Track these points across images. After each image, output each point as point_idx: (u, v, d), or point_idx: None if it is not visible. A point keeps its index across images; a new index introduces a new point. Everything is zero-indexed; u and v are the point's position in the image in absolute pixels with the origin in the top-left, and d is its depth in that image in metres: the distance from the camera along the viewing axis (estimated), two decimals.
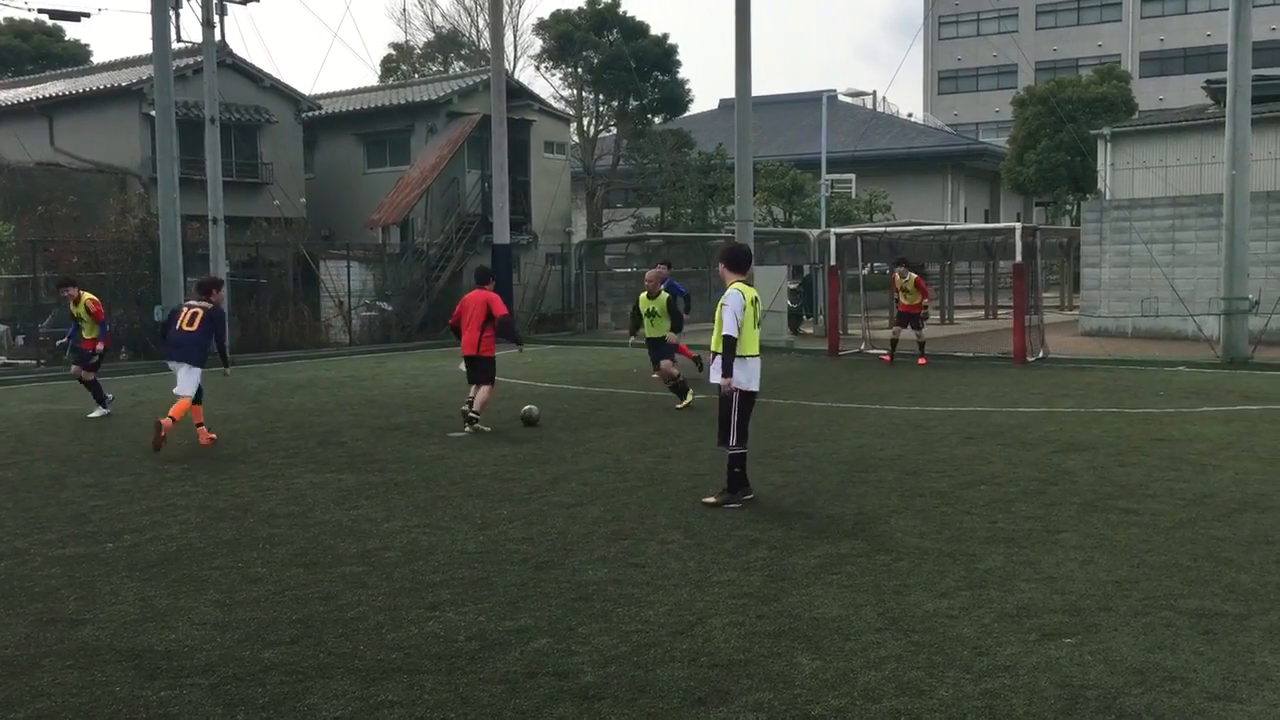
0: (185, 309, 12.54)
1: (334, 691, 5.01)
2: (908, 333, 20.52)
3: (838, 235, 24.80)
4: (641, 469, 10.32)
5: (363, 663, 5.37)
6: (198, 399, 12.35)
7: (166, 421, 11.63)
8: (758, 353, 8.83)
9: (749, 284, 8.85)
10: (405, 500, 9.08)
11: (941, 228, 30.67)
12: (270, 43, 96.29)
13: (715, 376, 8.68)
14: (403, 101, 34.18)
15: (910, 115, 66.47)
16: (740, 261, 8.95)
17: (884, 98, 62.95)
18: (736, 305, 8.54)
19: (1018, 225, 22.32)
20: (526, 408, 13.47)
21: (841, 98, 51.41)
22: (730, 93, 26.56)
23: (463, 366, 13.58)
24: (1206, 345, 20.95)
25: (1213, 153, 24.29)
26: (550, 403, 15.45)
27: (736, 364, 8.57)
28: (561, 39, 40.07)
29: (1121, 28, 70.29)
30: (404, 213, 30.19)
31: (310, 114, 33.14)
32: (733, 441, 8.72)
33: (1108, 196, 27.10)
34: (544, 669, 5.24)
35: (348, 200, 33.22)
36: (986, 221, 52.73)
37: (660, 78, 41.10)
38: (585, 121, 42.14)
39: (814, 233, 30.43)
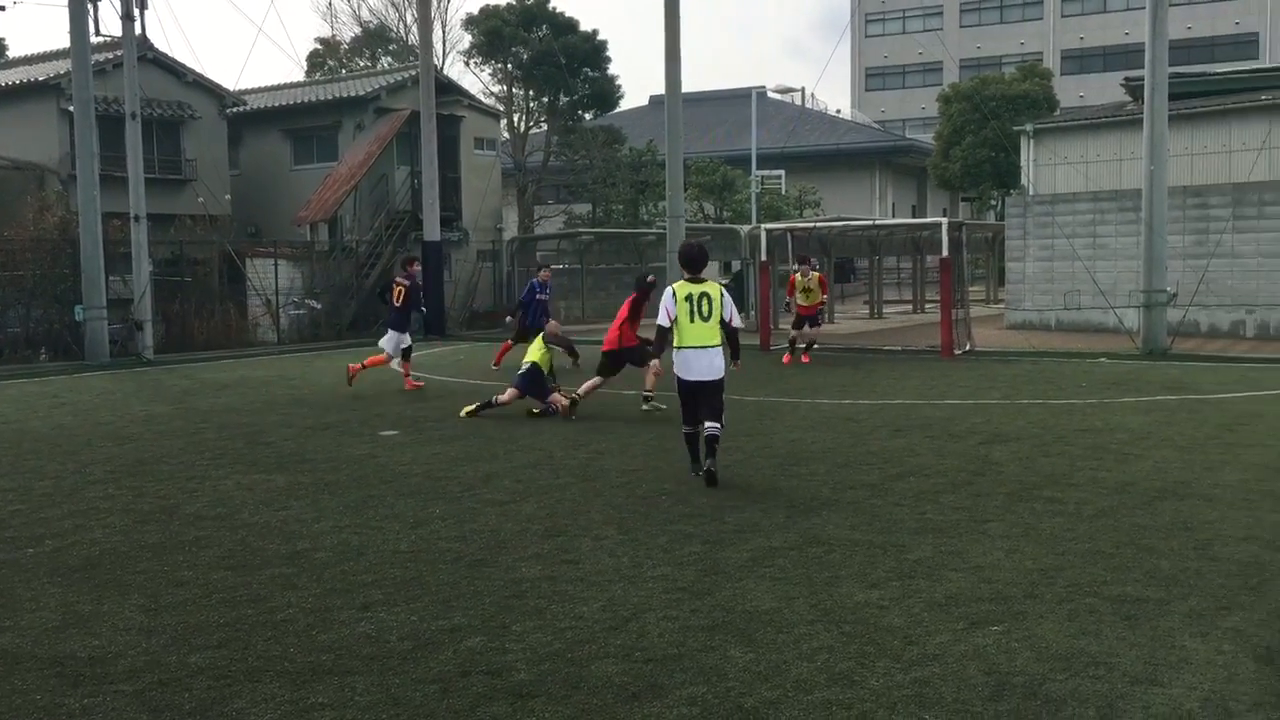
0: (394, 285, 16.78)
1: (263, 695, 4.94)
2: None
3: (768, 231, 24.97)
4: (575, 465, 10.31)
5: (292, 665, 5.29)
6: (406, 355, 16.78)
7: (356, 366, 16.25)
8: (698, 344, 9.38)
9: (697, 281, 9.51)
10: (336, 500, 8.98)
11: (870, 223, 31.06)
12: (193, 37, 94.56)
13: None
14: (330, 97, 33.75)
15: (839, 112, 67.18)
16: (685, 259, 9.78)
17: (813, 94, 63.51)
18: (667, 300, 9.42)
19: (944, 220, 22.67)
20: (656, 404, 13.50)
21: (771, 94, 51.81)
22: (661, 89, 26.64)
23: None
24: (1127, 337, 21.45)
25: (1132, 149, 24.86)
26: (483, 399, 15.34)
27: (675, 354, 9.47)
28: (491, 34, 39.88)
29: (1043, 26, 71.68)
30: (332, 210, 29.81)
31: (235, 110, 32.60)
32: (682, 422, 9.81)
33: (1031, 192, 27.61)
34: (477, 668, 5.21)
35: (274, 197, 32.73)
36: (914, 217, 53.51)
37: (590, 74, 41.09)
38: (516, 117, 41.97)
39: (745, 229, 30.64)
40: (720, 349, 9.47)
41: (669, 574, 6.68)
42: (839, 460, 10.29)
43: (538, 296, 18.82)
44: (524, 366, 13.81)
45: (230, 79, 63.36)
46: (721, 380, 9.49)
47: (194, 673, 5.21)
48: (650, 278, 15.12)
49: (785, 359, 19.83)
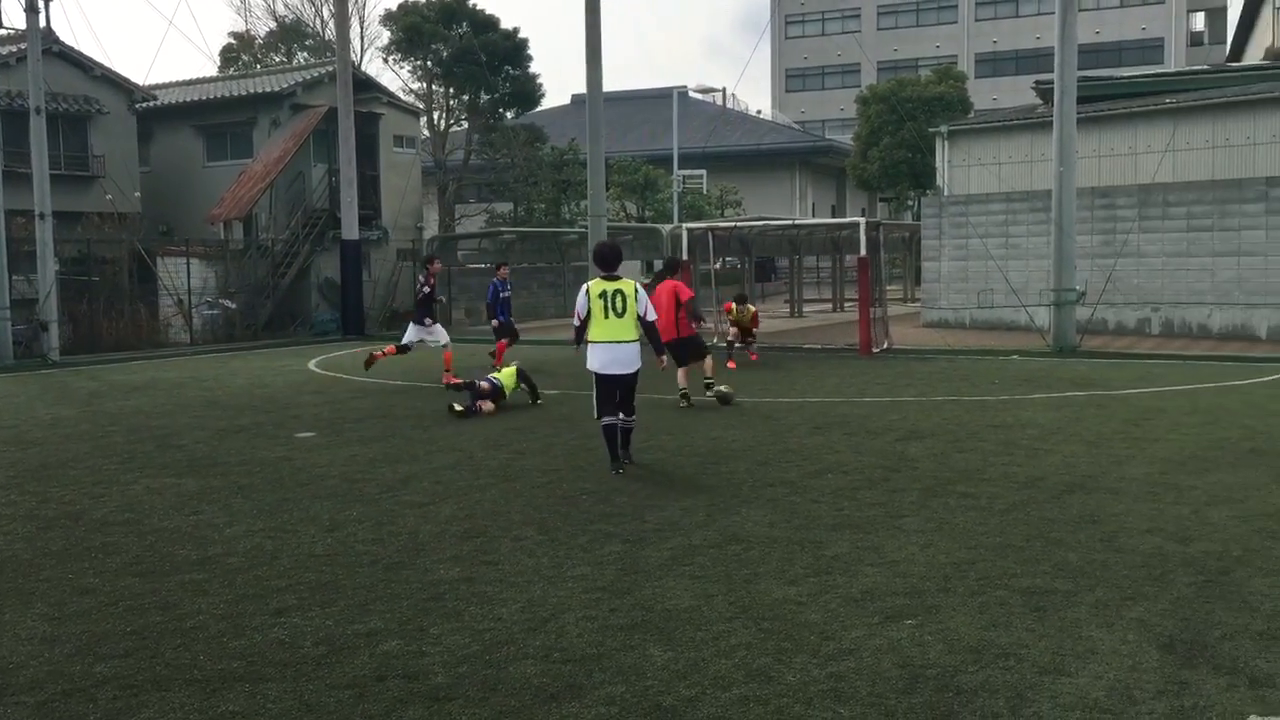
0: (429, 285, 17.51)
1: (172, 704, 4.83)
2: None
3: (690, 230, 25.07)
4: (495, 465, 10.25)
5: (202, 673, 5.18)
6: (402, 350, 17.43)
7: (448, 378, 15.96)
8: (613, 339, 9.86)
9: (611, 279, 9.97)
10: (249, 504, 8.81)
11: (790, 223, 31.33)
12: (101, 30, 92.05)
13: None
14: (244, 93, 33.13)
15: (759, 112, 67.70)
16: (599, 258, 10.22)
17: (734, 95, 63.98)
18: (581, 298, 9.96)
19: (862, 220, 22.95)
20: (720, 389, 14.37)
21: (692, 94, 52.06)
22: (582, 88, 26.60)
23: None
24: (1038, 335, 21.93)
25: (1042, 150, 25.41)
26: (402, 400, 15.22)
27: (589, 348, 9.92)
28: (410, 31, 39.42)
29: (958, 29, 73.00)
30: (247, 207, 29.26)
31: (145, 105, 31.84)
32: (595, 414, 10.04)
33: (946, 192, 28.08)
34: (393, 671, 5.15)
35: (187, 194, 32.03)
36: (833, 216, 54.11)
37: (511, 72, 40.82)
38: (436, 115, 41.56)
39: (667, 228, 30.73)
40: (636, 344, 9.96)
41: (589, 574, 6.67)
42: (759, 458, 10.37)
43: (501, 295, 19.17)
44: (494, 380, 14.10)
45: (140, 74, 61.74)
46: (636, 374, 10.06)
47: (99, 682, 5.08)
48: (679, 258, 15.68)
49: (730, 364, 18.78)
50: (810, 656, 5.24)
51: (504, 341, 19.21)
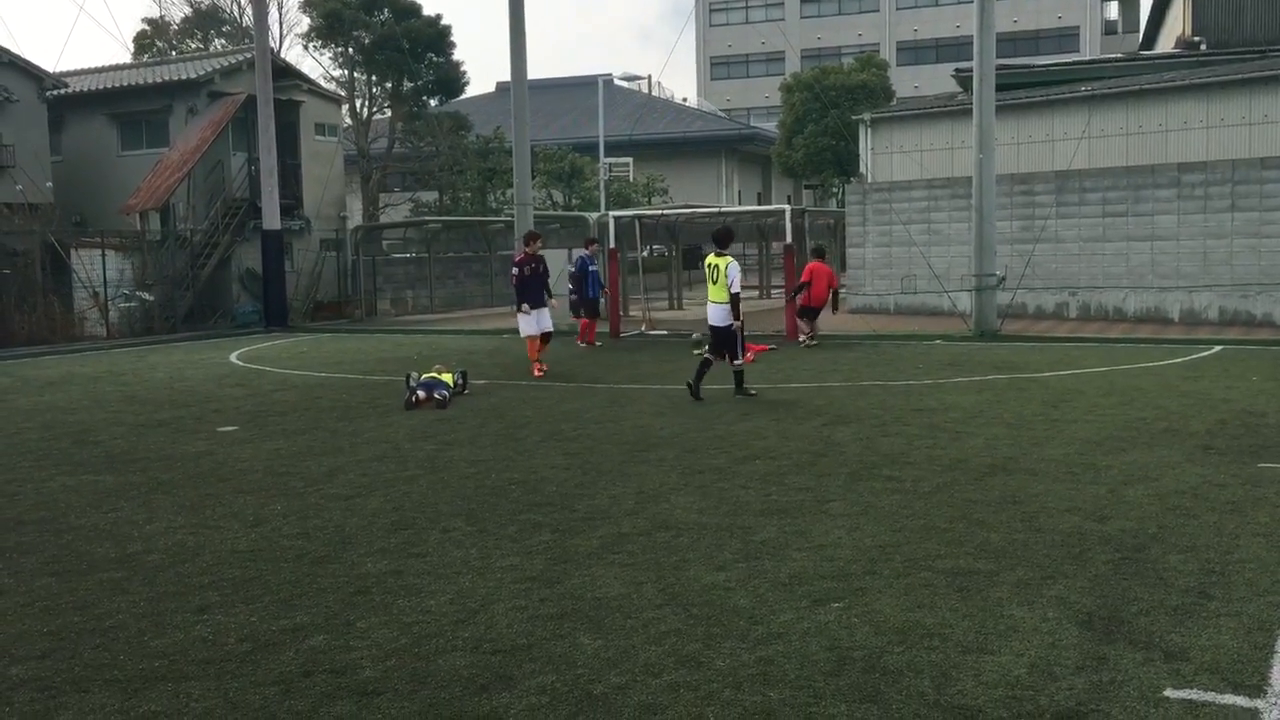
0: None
1: (91, 706, 4.72)
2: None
3: (616, 218, 25.05)
4: (422, 457, 10.16)
5: (123, 673, 5.07)
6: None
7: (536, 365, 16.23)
8: (709, 300, 13.59)
9: (719, 255, 13.32)
10: (170, 500, 8.64)
11: (716, 210, 31.42)
12: (8, 15, 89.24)
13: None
14: (159, 80, 32.33)
15: (685, 100, 67.87)
16: (714, 238, 13.47)
17: (659, 82, 64.03)
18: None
19: (787, 208, 23.13)
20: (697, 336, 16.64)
21: (618, 82, 51.94)
22: (507, 76, 26.41)
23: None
24: (960, 319, 22.30)
25: (962, 138, 25.82)
26: (326, 393, 15.02)
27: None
28: (330, 17, 38.80)
29: (879, 18, 73.75)
30: (164, 197, 28.59)
31: (56, 92, 30.92)
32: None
33: (869, 180, 28.40)
34: (320, 667, 5.09)
35: (101, 185, 31.22)
36: (759, 204, 54.41)
37: (435, 59, 40.41)
38: (358, 103, 41.00)
39: (593, 216, 30.65)
40: (725, 306, 13.20)
41: (518, 564, 6.64)
42: (687, 445, 10.41)
43: (590, 269, 20.45)
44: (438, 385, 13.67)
45: (51, 61, 60.09)
46: (727, 327, 13.30)
47: (15, 685, 4.95)
48: (821, 245, 19.40)
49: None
50: (739, 641, 5.28)
51: (585, 319, 20.41)
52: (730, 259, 13.31)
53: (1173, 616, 5.47)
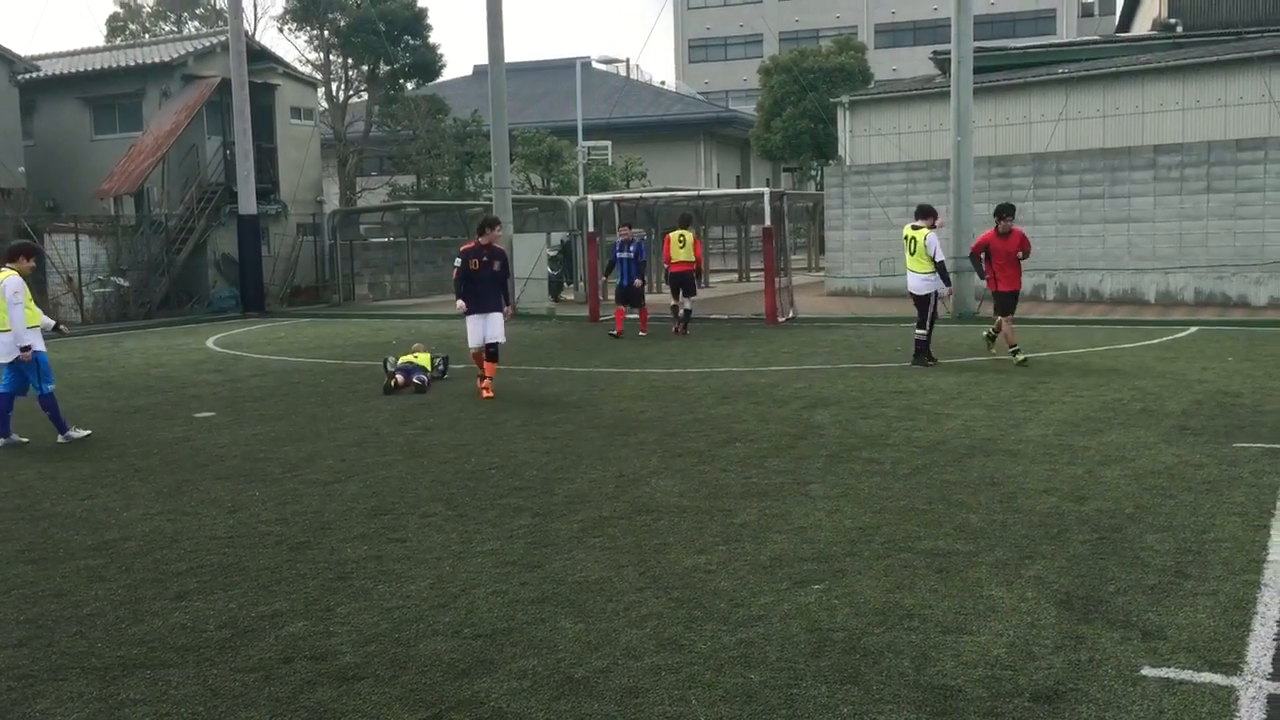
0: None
1: (69, 693, 4.69)
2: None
3: (595, 202, 24.99)
4: (402, 442, 10.12)
5: (101, 661, 5.04)
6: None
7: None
8: (908, 269, 14.40)
9: (915, 228, 14.16)
10: (147, 486, 8.58)
11: (695, 193, 31.38)
12: None
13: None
14: (133, 63, 31.97)
15: (663, 83, 67.65)
16: (917, 212, 14.41)
17: (637, 65, 63.82)
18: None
19: (766, 190, 23.10)
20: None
21: (596, 65, 51.77)
22: (484, 59, 26.28)
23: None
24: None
25: (940, 120, 25.84)
26: (306, 378, 14.95)
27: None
28: None
29: (857, 1, 73.67)
30: (138, 182, 28.33)
31: (27, 76, 30.55)
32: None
33: (848, 162, 28.41)
34: (300, 653, 5.07)
35: (74, 169, 30.89)
36: (738, 187, 54.39)
37: (411, 42, 40.08)
38: (334, 86, 40.68)
39: (572, 200, 30.57)
40: (920, 275, 14.07)
41: (498, 548, 6.63)
42: (667, 429, 10.41)
43: (618, 255, 19.73)
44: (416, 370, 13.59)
45: (22, 44, 59.36)
46: (926, 296, 14.13)
47: None
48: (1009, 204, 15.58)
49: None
50: (720, 624, 5.28)
51: (621, 308, 19.77)
52: (928, 230, 13.98)
53: (1150, 596, 5.51)
